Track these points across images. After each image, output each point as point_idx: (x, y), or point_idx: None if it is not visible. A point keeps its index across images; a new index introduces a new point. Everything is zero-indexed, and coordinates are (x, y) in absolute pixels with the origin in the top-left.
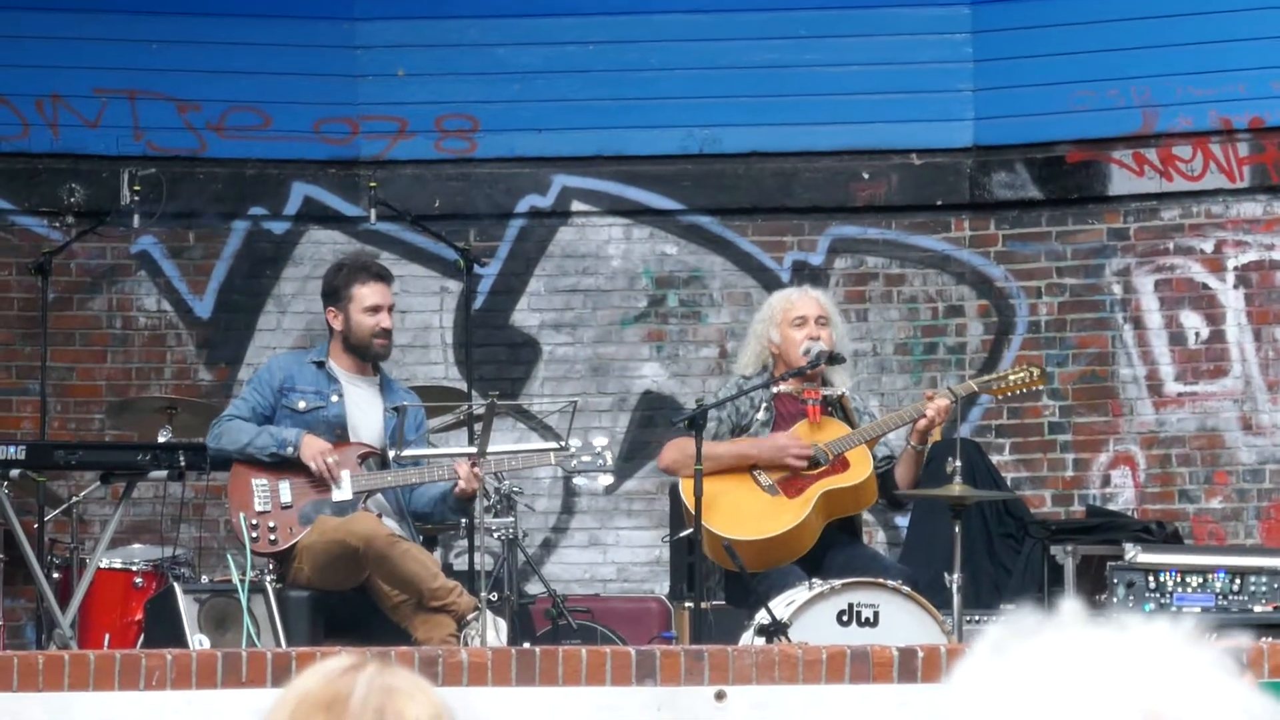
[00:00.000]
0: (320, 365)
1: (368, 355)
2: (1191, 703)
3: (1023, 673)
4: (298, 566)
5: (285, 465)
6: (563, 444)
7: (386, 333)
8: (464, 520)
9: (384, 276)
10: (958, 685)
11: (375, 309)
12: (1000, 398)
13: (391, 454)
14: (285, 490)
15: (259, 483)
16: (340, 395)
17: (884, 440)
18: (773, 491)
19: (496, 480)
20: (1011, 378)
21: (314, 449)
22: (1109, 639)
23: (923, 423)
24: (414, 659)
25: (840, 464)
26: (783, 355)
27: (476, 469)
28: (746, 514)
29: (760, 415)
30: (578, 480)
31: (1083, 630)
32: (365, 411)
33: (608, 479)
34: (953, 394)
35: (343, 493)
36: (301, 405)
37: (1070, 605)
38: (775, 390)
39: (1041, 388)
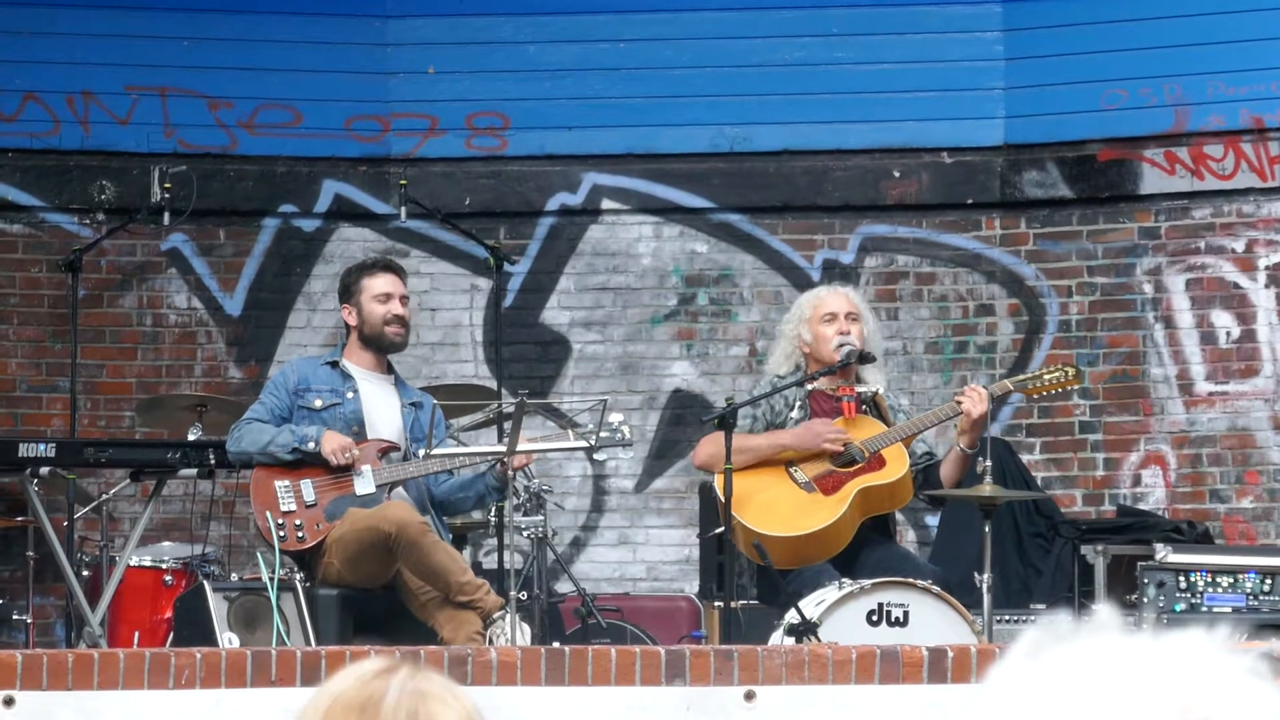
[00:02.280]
0: (334, 365)
1: (383, 345)
2: (1226, 707)
3: (1058, 677)
4: (328, 561)
5: (306, 464)
6: (593, 442)
7: (399, 319)
8: (494, 519)
9: (392, 268)
10: (993, 689)
11: (386, 296)
12: (1033, 397)
13: (421, 453)
14: (308, 489)
15: (281, 484)
16: (355, 391)
17: (922, 438)
18: (809, 489)
19: (526, 478)
20: (1046, 377)
21: (334, 443)
22: (1143, 644)
23: (964, 420)
24: (443, 658)
25: (877, 461)
26: (814, 353)
27: (515, 461)
28: (782, 510)
29: (795, 414)
30: (597, 456)
31: (1118, 635)
32: (381, 408)
33: (627, 452)
34: (987, 390)
35: (365, 486)
36: (318, 403)
37: (1105, 610)
38: (809, 388)
39: (1076, 388)
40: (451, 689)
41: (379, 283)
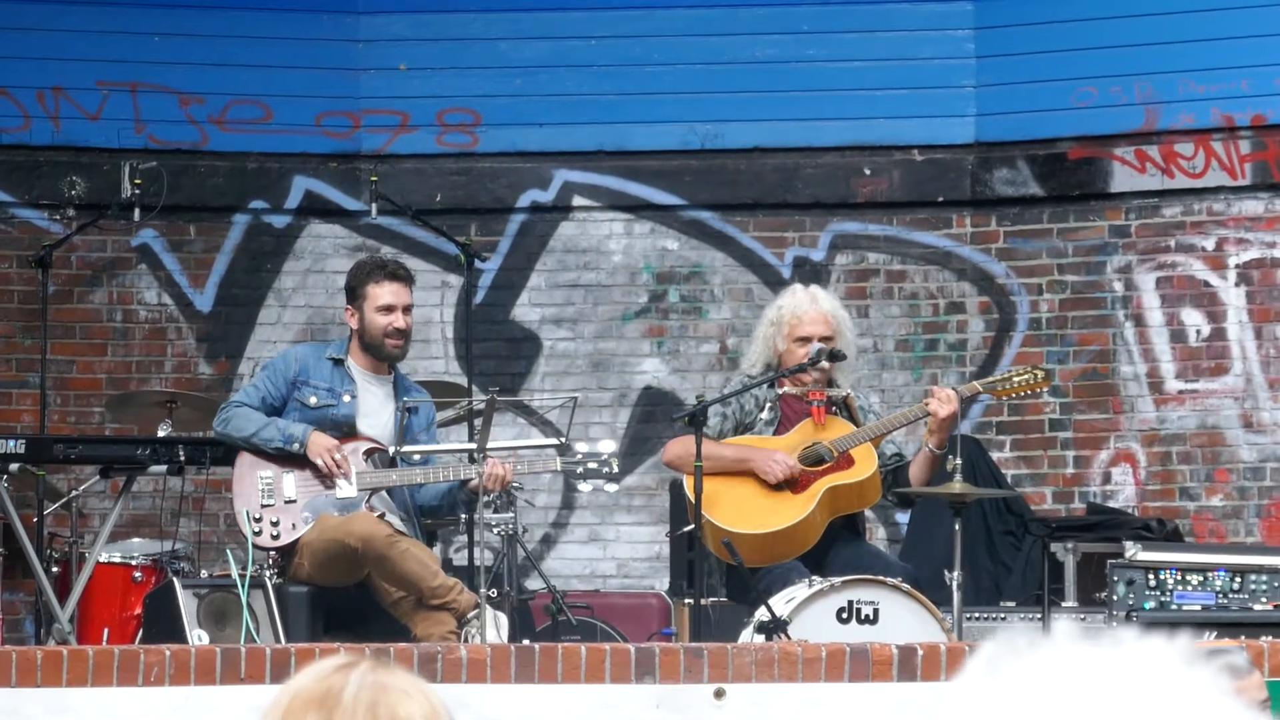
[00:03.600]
0: (339, 363)
1: (381, 355)
2: None
3: (1016, 692)
4: (298, 562)
5: (291, 459)
6: (563, 440)
7: (400, 333)
8: (464, 516)
9: (400, 276)
10: (952, 703)
11: (389, 309)
12: (1006, 399)
13: (392, 450)
14: (290, 485)
15: (264, 476)
16: (353, 396)
17: (891, 438)
18: (777, 487)
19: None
20: (1016, 379)
21: (320, 445)
22: (1102, 657)
23: (932, 421)
24: (413, 656)
25: (845, 461)
26: (785, 365)
27: (498, 470)
28: (751, 508)
29: (765, 415)
30: (582, 486)
31: (1076, 648)
32: (376, 413)
33: (613, 486)
34: (956, 391)
35: (347, 490)
36: (313, 401)
37: (1063, 623)
38: (780, 391)
39: (1045, 390)
40: (415, 683)
41: (384, 292)
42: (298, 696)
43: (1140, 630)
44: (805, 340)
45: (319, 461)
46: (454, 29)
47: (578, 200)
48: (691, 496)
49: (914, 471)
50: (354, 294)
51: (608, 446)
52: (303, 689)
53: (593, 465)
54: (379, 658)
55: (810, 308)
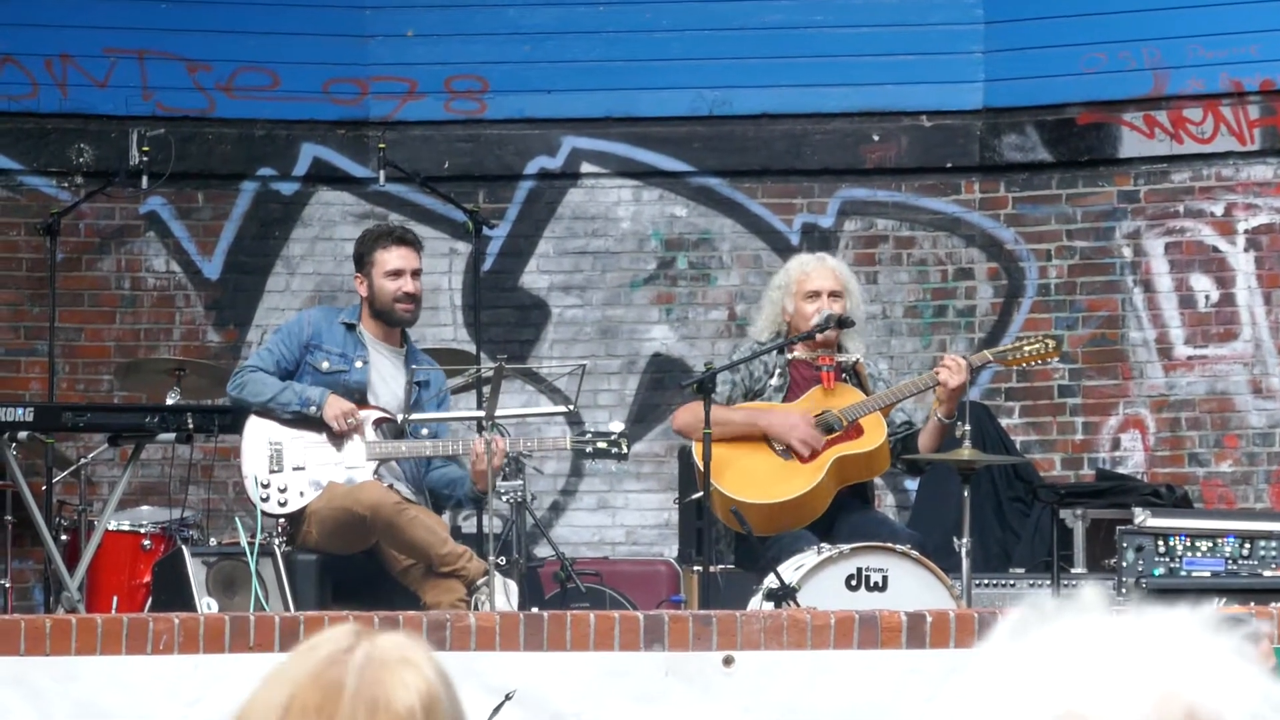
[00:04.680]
0: (351, 328)
1: (392, 320)
2: (1211, 691)
3: (1041, 658)
4: (306, 530)
5: (300, 426)
6: (571, 407)
7: (410, 297)
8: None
9: (408, 240)
10: (976, 669)
11: (397, 273)
12: (1017, 368)
13: (399, 417)
14: (298, 452)
15: (272, 442)
16: (365, 361)
17: (900, 407)
18: (786, 456)
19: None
20: (1027, 349)
21: (337, 408)
22: (1128, 625)
23: (941, 390)
24: (422, 624)
25: (854, 430)
26: (794, 326)
27: (488, 437)
28: (759, 477)
29: (774, 381)
30: (592, 463)
31: (1102, 615)
32: (387, 380)
33: (620, 465)
34: (967, 360)
35: (356, 458)
36: (325, 366)
37: (1090, 589)
38: (789, 356)
39: (1056, 359)
40: (413, 654)
41: (392, 257)
42: (295, 700)
43: (1164, 600)
44: (814, 295)
45: (334, 424)
46: None
47: (586, 167)
48: (700, 464)
49: (923, 440)
50: (362, 261)
51: (617, 426)
52: (299, 693)
53: (602, 445)
54: (370, 631)
55: (817, 265)
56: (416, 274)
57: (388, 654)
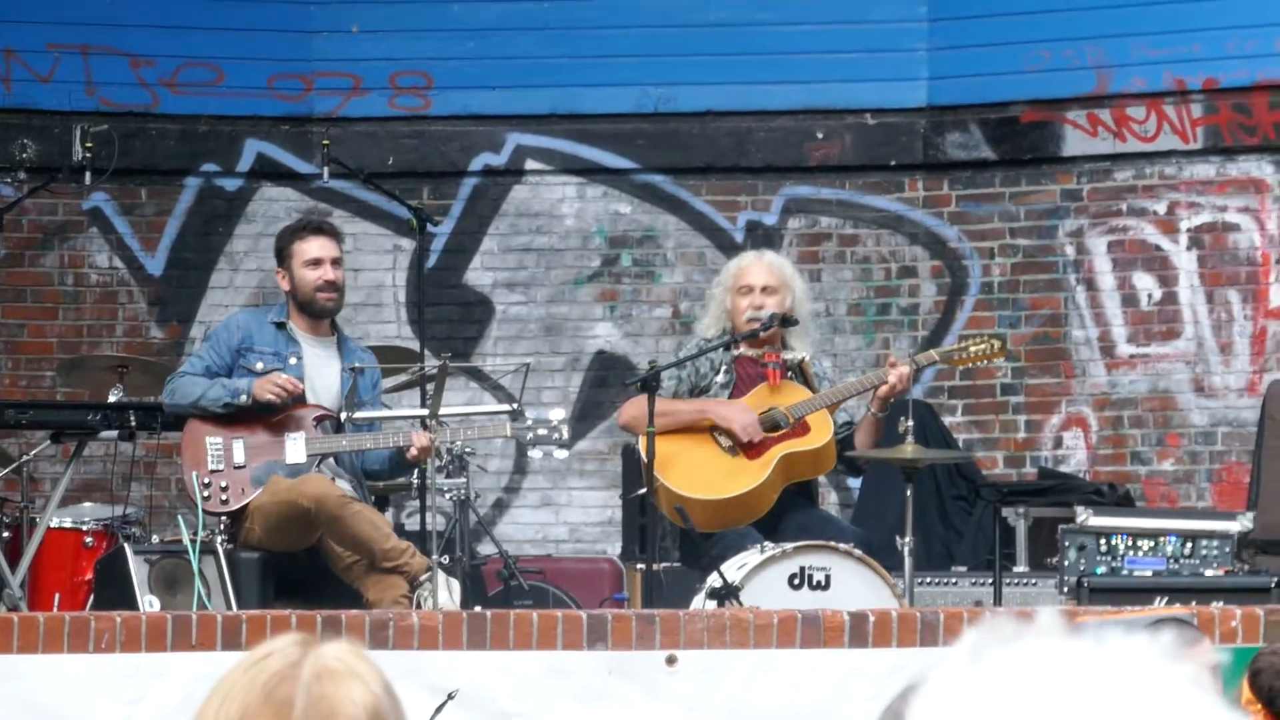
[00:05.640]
0: (281, 326)
1: (314, 311)
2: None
3: (998, 681)
4: (249, 527)
5: (240, 423)
6: (516, 407)
7: (330, 284)
8: (416, 481)
9: (324, 230)
10: (934, 690)
11: (316, 262)
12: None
13: (343, 415)
14: (239, 450)
15: (213, 441)
16: (299, 358)
17: (844, 406)
18: (733, 452)
19: (449, 443)
20: (972, 349)
21: (266, 383)
22: (1086, 650)
23: (884, 389)
24: (365, 623)
25: (801, 428)
26: (733, 321)
27: (433, 436)
28: (706, 473)
29: (720, 378)
30: (532, 452)
31: (1060, 640)
32: (322, 374)
33: (563, 452)
34: (915, 362)
35: (297, 454)
36: (259, 366)
37: (1048, 612)
38: (735, 354)
39: (1002, 360)
40: (356, 665)
41: (309, 247)
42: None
43: (1124, 629)
44: (748, 290)
45: (270, 396)
46: None
47: (530, 164)
48: (645, 460)
49: (859, 437)
50: (282, 255)
51: (558, 414)
52: (249, 712)
53: (542, 432)
54: (314, 641)
55: (754, 260)
56: (336, 262)
57: (334, 667)
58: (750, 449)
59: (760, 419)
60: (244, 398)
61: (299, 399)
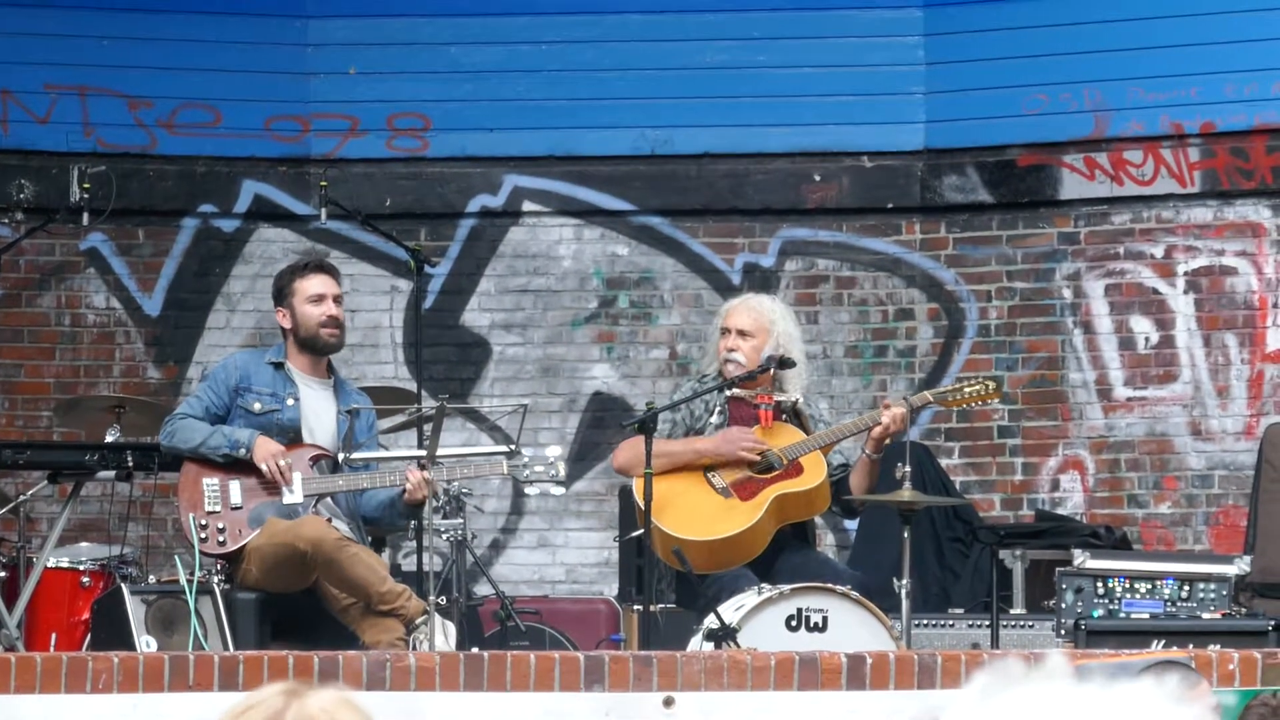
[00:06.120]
0: (279, 366)
1: (318, 347)
2: None
3: None
4: (246, 568)
5: (237, 466)
6: (513, 448)
7: (334, 320)
8: (413, 522)
9: (326, 269)
10: None
11: (319, 298)
12: (957, 409)
13: (340, 457)
14: (236, 491)
15: (209, 483)
16: (296, 399)
17: (839, 448)
18: (726, 494)
19: (446, 482)
20: (967, 390)
21: (266, 451)
22: (1092, 694)
23: (878, 430)
24: (362, 664)
25: (794, 469)
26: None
27: (427, 474)
28: (699, 515)
29: (714, 419)
30: (528, 490)
31: (1068, 683)
32: (319, 415)
33: (559, 490)
34: (909, 404)
35: (294, 495)
36: (257, 407)
37: (1056, 656)
38: (729, 394)
39: (996, 401)
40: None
41: (312, 284)
42: None
43: (1123, 672)
44: (725, 333)
45: (264, 467)
46: (403, 33)
47: (527, 205)
48: (640, 502)
49: (854, 479)
50: (282, 294)
51: (554, 451)
52: None
53: (539, 469)
54: (300, 689)
55: (738, 304)
56: (338, 300)
57: (318, 717)
58: (743, 489)
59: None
60: (243, 451)
61: (296, 438)
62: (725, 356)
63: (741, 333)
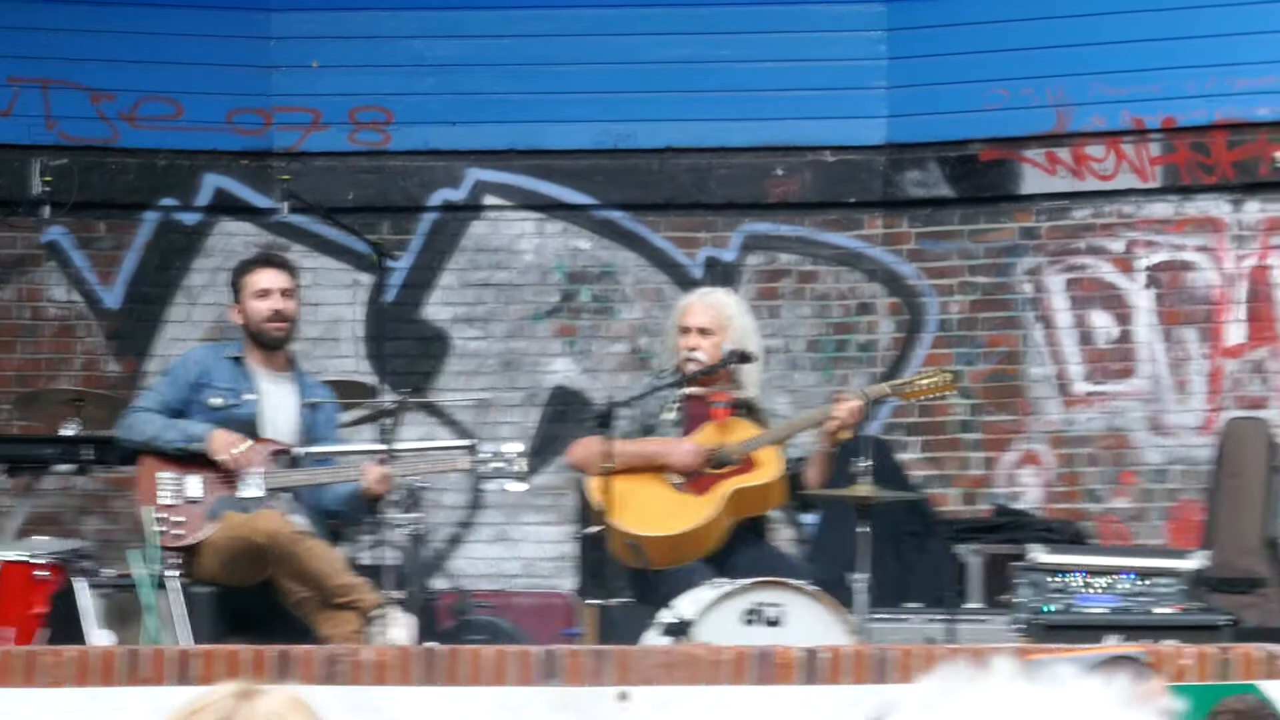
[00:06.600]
0: (238, 361)
1: (264, 342)
2: None
3: None
4: (202, 562)
5: (194, 459)
6: (473, 442)
7: (279, 314)
8: (369, 520)
9: (274, 262)
10: None
11: (265, 293)
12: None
13: (301, 451)
14: (194, 485)
15: (167, 476)
16: (255, 393)
17: (794, 442)
18: (681, 489)
19: (404, 478)
20: (923, 382)
21: (223, 443)
22: (1040, 695)
23: (832, 424)
24: (318, 658)
25: (749, 464)
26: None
27: (386, 471)
28: (655, 510)
29: (670, 416)
30: (488, 485)
31: (1015, 685)
32: (279, 409)
33: (520, 486)
34: (863, 395)
35: (252, 489)
36: (216, 402)
37: (1003, 660)
38: (685, 392)
39: (953, 393)
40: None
41: (258, 279)
42: None
43: (1077, 668)
44: (685, 331)
45: (221, 458)
46: (366, 26)
47: (489, 199)
48: (597, 499)
49: (810, 472)
50: (235, 290)
51: (514, 446)
52: None
53: (499, 464)
54: (251, 692)
55: (696, 300)
56: (286, 294)
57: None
58: (699, 485)
59: (708, 455)
60: (198, 445)
61: (255, 433)
62: (686, 355)
63: (702, 330)
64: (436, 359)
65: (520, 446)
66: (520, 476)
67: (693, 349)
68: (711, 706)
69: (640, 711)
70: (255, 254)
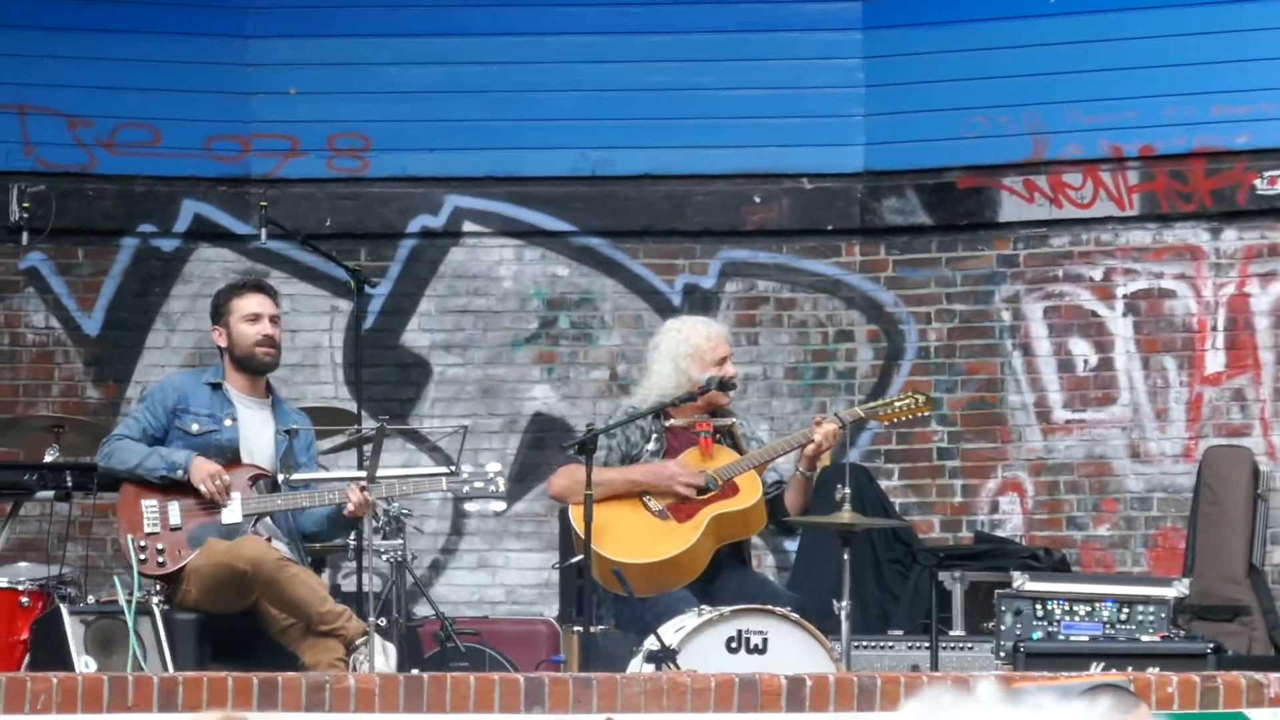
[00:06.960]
0: (216, 387)
1: (253, 366)
2: None
3: None
4: (185, 589)
5: (176, 486)
6: (453, 469)
7: (269, 339)
8: (352, 542)
9: (263, 288)
10: None
11: (255, 317)
12: (888, 423)
13: (280, 477)
14: (175, 512)
15: (148, 504)
16: (234, 419)
17: (773, 466)
18: (662, 516)
19: (386, 503)
20: (897, 404)
21: (204, 471)
22: (1026, 718)
23: (810, 448)
24: (301, 685)
25: (730, 489)
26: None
27: (366, 493)
28: (636, 538)
29: (651, 445)
30: (469, 506)
31: (998, 708)
32: (257, 435)
33: (499, 505)
34: (840, 420)
35: (233, 515)
36: (195, 428)
37: (986, 683)
38: (667, 423)
39: (928, 414)
40: None
41: (248, 303)
42: None
43: (1061, 696)
44: (723, 361)
45: (202, 488)
46: (343, 54)
47: (468, 226)
48: (578, 527)
49: (789, 496)
50: (219, 313)
51: (493, 467)
52: None
53: (479, 484)
54: (235, 717)
55: (721, 331)
56: (275, 320)
57: None
58: (680, 511)
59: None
60: (180, 473)
61: (234, 458)
62: (730, 379)
63: (730, 357)
64: (416, 385)
65: (498, 466)
66: (500, 496)
67: (732, 376)
68: None
69: None
70: (243, 278)
